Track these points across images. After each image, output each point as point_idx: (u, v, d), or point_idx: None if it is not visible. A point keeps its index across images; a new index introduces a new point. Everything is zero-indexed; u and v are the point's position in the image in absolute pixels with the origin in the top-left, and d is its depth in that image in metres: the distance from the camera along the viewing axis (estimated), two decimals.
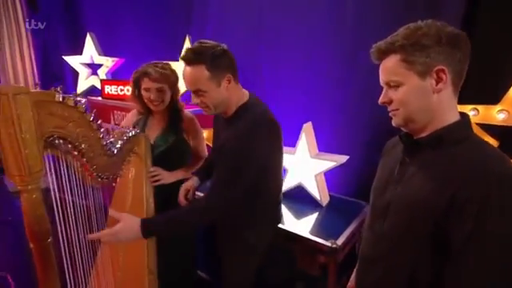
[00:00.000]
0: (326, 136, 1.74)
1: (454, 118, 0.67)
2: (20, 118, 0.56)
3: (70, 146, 0.74)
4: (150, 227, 0.95)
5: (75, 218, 0.82)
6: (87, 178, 0.85)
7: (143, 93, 1.35)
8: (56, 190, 0.72)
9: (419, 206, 0.65)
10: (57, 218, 0.74)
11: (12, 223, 2.65)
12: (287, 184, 1.70)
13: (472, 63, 0.66)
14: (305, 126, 1.59)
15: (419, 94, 0.65)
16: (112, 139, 0.95)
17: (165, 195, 1.31)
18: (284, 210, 1.60)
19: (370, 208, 0.82)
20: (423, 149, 0.69)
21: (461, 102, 0.68)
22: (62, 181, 0.76)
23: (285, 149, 1.65)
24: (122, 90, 2.53)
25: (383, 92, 0.71)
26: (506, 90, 1.18)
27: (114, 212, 0.96)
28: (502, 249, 0.57)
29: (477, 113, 1.20)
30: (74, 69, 3.13)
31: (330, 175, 1.66)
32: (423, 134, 0.69)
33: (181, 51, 1.43)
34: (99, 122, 0.82)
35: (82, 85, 3.10)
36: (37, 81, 3.31)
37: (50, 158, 0.69)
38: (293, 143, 1.64)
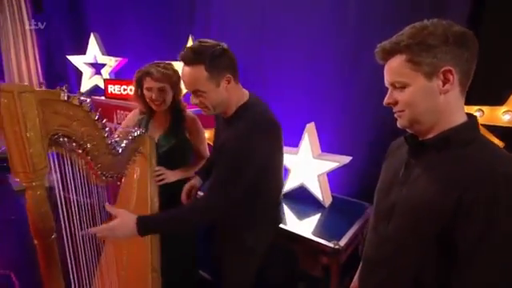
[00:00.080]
0: (329, 136, 1.74)
1: (461, 119, 0.66)
2: (25, 116, 0.56)
3: (74, 144, 0.74)
4: (145, 225, 0.95)
5: (79, 216, 0.82)
6: (91, 176, 0.85)
7: (145, 92, 1.35)
8: (60, 188, 0.72)
9: (425, 208, 0.64)
10: (61, 216, 0.74)
11: (16, 222, 2.67)
12: (290, 184, 1.70)
13: (477, 64, 0.65)
14: (308, 126, 1.58)
15: (426, 95, 0.64)
16: (117, 138, 0.96)
17: (168, 195, 1.31)
18: (286, 210, 1.60)
19: (373, 209, 0.81)
20: (429, 150, 0.68)
21: (466, 102, 0.67)
22: (66, 179, 0.77)
23: (287, 149, 1.66)
24: (125, 90, 2.54)
25: (388, 93, 0.69)
26: (511, 91, 1.18)
27: (111, 208, 0.96)
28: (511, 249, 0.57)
29: (482, 114, 1.19)
30: (77, 68, 3.15)
31: (332, 176, 1.66)
32: (429, 136, 0.68)
33: None
34: (104, 121, 0.82)
35: (86, 84, 3.12)
36: (41, 80, 3.34)
37: (55, 156, 0.69)
38: (295, 143, 1.64)
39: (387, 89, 0.70)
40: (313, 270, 1.39)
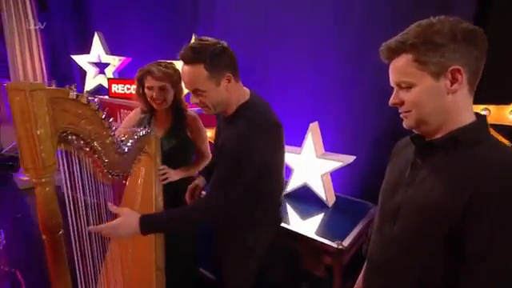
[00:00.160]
0: (333, 136, 1.74)
1: (470, 118, 0.64)
2: (36, 113, 0.57)
3: (82, 142, 0.75)
4: (148, 224, 0.96)
5: (86, 213, 0.83)
6: (98, 174, 0.86)
7: (146, 91, 1.36)
8: (68, 185, 0.73)
9: (432, 209, 0.63)
10: (68, 214, 0.75)
11: (21, 220, 2.69)
12: (293, 184, 1.70)
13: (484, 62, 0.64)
14: (311, 125, 1.58)
15: (433, 96, 0.62)
16: (123, 138, 0.97)
17: (171, 194, 1.32)
18: (289, 209, 1.60)
19: (378, 210, 0.80)
20: (436, 151, 0.66)
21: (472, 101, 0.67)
22: (73, 176, 0.77)
23: (291, 148, 1.67)
24: (128, 89, 2.56)
25: (394, 93, 0.68)
26: None
27: (114, 207, 0.97)
28: None
29: (488, 113, 1.19)
30: (81, 68, 3.17)
31: (336, 175, 1.66)
32: (436, 136, 0.66)
33: None
34: (111, 120, 0.83)
35: (90, 83, 3.14)
36: (45, 79, 3.36)
37: (64, 154, 0.70)
38: (299, 143, 1.64)
39: (392, 88, 0.69)
40: (316, 270, 1.39)
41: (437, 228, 0.62)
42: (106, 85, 2.82)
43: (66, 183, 0.73)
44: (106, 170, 0.87)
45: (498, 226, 0.56)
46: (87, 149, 0.77)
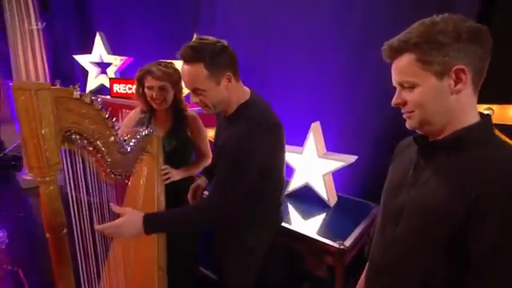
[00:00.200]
0: (334, 135, 1.73)
1: (474, 118, 0.63)
2: (41, 112, 0.57)
3: (85, 141, 0.75)
4: (152, 223, 0.96)
5: (89, 212, 0.84)
6: (101, 173, 0.87)
7: (146, 91, 1.37)
8: (72, 184, 0.73)
9: (436, 210, 0.62)
10: (71, 213, 0.75)
11: (24, 219, 2.70)
12: (294, 184, 1.70)
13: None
14: (313, 125, 1.58)
15: (436, 96, 0.61)
16: (126, 137, 0.97)
17: (173, 193, 1.33)
18: (291, 209, 1.60)
19: (381, 211, 0.80)
20: (440, 151, 0.65)
21: None
22: (76, 175, 0.78)
23: (292, 148, 1.67)
24: (130, 89, 2.56)
25: (396, 93, 0.67)
26: None
27: (117, 207, 0.97)
28: None
29: (492, 112, 1.18)
30: (83, 68, 3.18)
31: (337, 175, 1.65)
32: (440, 137, 0.65)
33: None
34: (114, 119, 0.83)
35: (92, 83, 3.15)
36: (47, 79, 3.37)
37: (67, 153, 0.71)
38: (300, 143, 1.64)
39: (394, 88, 0.68)
40: (318, 271, 1.39)
41: (440, 229, 0.62)
42: (107, 85, 2.83)
43: (69, 182, 0.73)
44: (108, 170, 0.87)
45: (504, 226, 0.55)
46: (90, 148, 0.78)
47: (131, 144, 0.99)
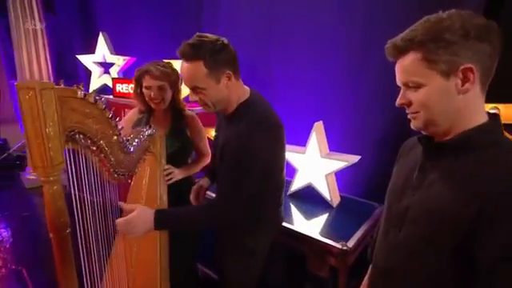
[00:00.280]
0: (337, 135, 1.73)
1: (482, 119, 0.61)
2: (45, 112, 0.57)
3: (89, 141, 0.75)
4: (163, 220, 0.96)
5: (92, 212, 0.84)
6: (104, 173, 0.87)
7: (144, 91, 1.37)
8: (75, 183, 0.73)
9: (441, 215, 0.60)
10: (75, 212, 0.76)
11: (28, 218, 2.72)
12: (297, 184, 1.70)
13: None
14: (315, 124, 1.58)
15: (442, 96, 0.59)
16: (129, 137, 0.97)
17: (176, 194, 1.33)
18: (293, 209, 1.59)
19: (384, 213, 0.78)
20: (446, 153, 0.63)
21: None
22: (80, 175, 0.78)
23: (295, 148, 1.66)
24: (132, 89, 2.57)
25: (401, 93, 0.65)
26: None
27: (125, 205, 0.97)
28: None
29: (497, 112, 1.17)
30: (86, 68, 3.20)
31: (340, 175, 1.65)
32: (446, 138, 0.63)
33: None
34: (117, 119, 0.83)
35: (95, 83, 3.16)
36: (51, 79, 3.40)
37: (71, 153, 0.71)
38: (303, 142, 1.64)
39: (398, 87, 0.66)
40: (320, 271, 1.39)
41: (446, 233, 0.59)
42: (110, 84, 2.84)
43: (73, 182, 0.73)
44: (111, 169, 0.87)
45: None
46: (94, 148, 0.78)
47: (134, 144, 0.99)
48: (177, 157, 1.41)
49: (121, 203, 0.98)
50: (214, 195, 1.47)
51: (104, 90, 3.08)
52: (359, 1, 1.61)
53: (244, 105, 1.04)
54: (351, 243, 1.29)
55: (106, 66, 3.12)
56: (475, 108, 0.61)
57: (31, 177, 3.23)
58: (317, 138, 1.58)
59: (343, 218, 1.53)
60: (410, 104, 0.64)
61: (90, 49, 3.11)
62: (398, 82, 0.66)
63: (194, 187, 1.34)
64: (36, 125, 0.57)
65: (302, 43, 1.85)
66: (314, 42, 1.80)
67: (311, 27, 1.79)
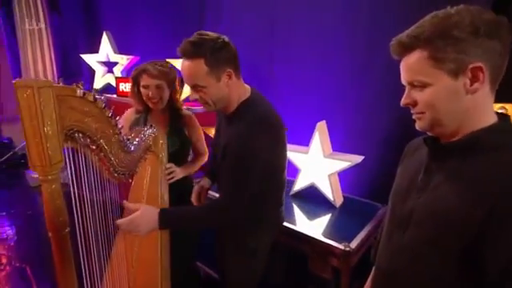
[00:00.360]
0: (341, 135, 1.71)
1: (491, 119, 0.59)
2: (43, 110, 0.57)
3: (88, 140, 0.75)
4: (167, 219, 0.96)
5: (92, 211, 0.83)
6: (104, 172, 0.86)
7: (142, 90, 1.36)
8: (74, 182, 0.73)
9: (448, 218, 0.58)
10: (74, 211, 0.75)
11: (33, 217, 2.75)
12: (300, 184, 1.68)
13: None
14: (318, 124, 1.56)
15: (450, 96, 0.56)
16: (130, 136, 0.97)
17: (176, 193, 1.32)
18: (296, 210, 1.58)
19: (388, 215, 0.76)
20: (453, 154, 0.61)
21: None
22: (79, 174, 0.78)
23: (298, 148, 1.65)
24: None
25: (406, 92, 0.62)
26: None
27: (130, 204, 0.97)
28: None
29: (505, 112, 1.14)
30: (90, 67, 3.22)
31: (344, 175, 1.63)
32: (453, 139, 0.61)
33: None
34: (117, 118, 0.83)
35: (99, 82, 3.18)
36: (55, 78, 3.43)
37: (70, 151, 0.70)
38: (306, 142, 1.62)
39: (402, 86, 0.64)
40: (322, 272, 1.38)
41: (452, 237, 0.58)
42: (114, 83, 2.85)
43: (73, 181, 0.73)
44: (112, 169, 0.87)
45: None
46: (93, 147, 0.77)
47: (135, 143, 0.98)
48: (177, 156, 1.41)
49: (125, 202, 0.97)
50: (216, 195, 1.46)
51: (107, 89, 3.10)
52: (363, 0, 1.59)
53: (245, 104, 1.03)
54: (354, 244, 1.28)
55: (109, 65, 3.14)
56: (484, 108, 0.59)
57: (36, 175, 3.25)
58: (320, 137, 1.56)
59: (346, 218, 1.51)
60: (415, 104, 0.61)
61: (94, 48, 3.13)
62: (403, 81, 0.63)
63: (195, 188, 1.33)
64: (34, 123, 0.56)
65: (304, 43, 1.84)
66: (317, 41, 1.78)
67: (314, 27, 1.78)
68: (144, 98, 1.37)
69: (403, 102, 0.63)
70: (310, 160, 1.62)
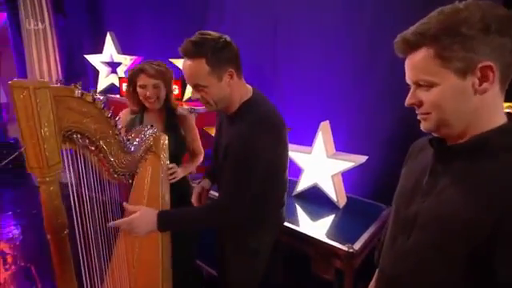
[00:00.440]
0: (344, 135, 1.69)
1: (501, 120, 0.56)
2: (40, 111, 0.57)
3: (87, 141, 0.74)
4: (166, 221, 0.96)
5: (91, 212, 0.83)
6: (104, 173, 0.86)
7: (139, 90, 1.37)
8: (73, 184, 0.72)
9: (454, 222, 0.55)
10: (73, 213, 0.75)
11: (37, 216, 2.77)
12: (303, 184, 1.67)
13: None
14: (322, 124, 1.54)
15: (457, 96, 0.53)
16: (130, 137, 0.96)
17: (176, 193, 1.32)
18: (299, 210, 1.57)
19: (392, 217, 0.74)
20: (461, 156, 0.58)
21: None
22: (79, 175, 0.77)
23: (301, 148, 1.63)
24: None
25: (411, 92, 0.60)
26: None
27: (129, 206, 0.97)
28: None
29: None
30: (95, 67, 3.23)
31: (347, 176, 1.61)
32: (461, 140, 0.58)
33: None
34: (117, 118, 0.82)
35: (102, 83, 3.20)
36: (60, 78, 3.46)
37: (68, 153, 0.70)
38: (309, 142, 1.61)
39: (407, 85, 0.61)
40: (325, 274, 1.36)
41: (459, 243, 0.55)
42: (117, 84, 2.87)
43: (72, 182, 0.73)
44: (112, 170, 0.87)
45: None
46: (92, 148, 0.77)
47: (135, 143, 0.98)
48: (176, 156, 1.40)
49: (124, 204, 0.98)
50: (217, 195, 1.46)
51: (111, 89, 3.11)
52: (366, 0, 1.56)
53: (246, 104, 1.03)
54: (357, 245, 1.26)
55: (113, 66, 3.15)
56: (493, 108, 0.56)
57: None
58: (323, 137, 1.54)
59: (349, 219, 1.49)
60: (420, 104, 0.58)
61: (98, 49, 3.15)
62: (408, 80, 0.61)
63: (196, 189, 1.33)
64: (30, 124, 0.56)
65: (308, 43, 1.82)
66: (320, 41, 1.77)
67: (317, 27, 1.76)
68: (141, 98, 1.37)
69: (408, 101, 0.61)
70: (313, 160, 1.60)
